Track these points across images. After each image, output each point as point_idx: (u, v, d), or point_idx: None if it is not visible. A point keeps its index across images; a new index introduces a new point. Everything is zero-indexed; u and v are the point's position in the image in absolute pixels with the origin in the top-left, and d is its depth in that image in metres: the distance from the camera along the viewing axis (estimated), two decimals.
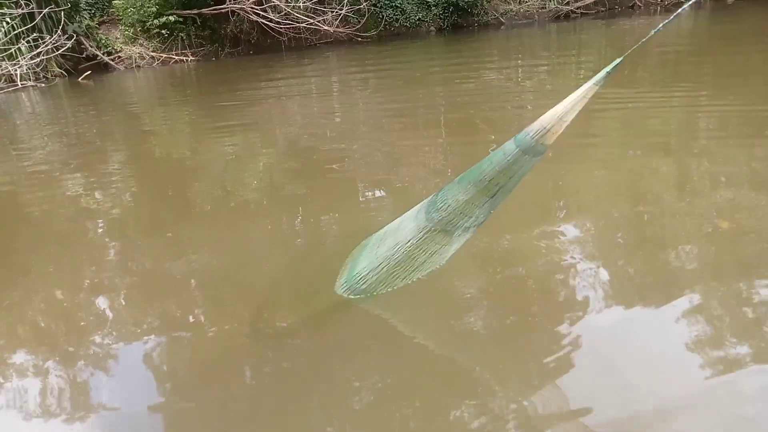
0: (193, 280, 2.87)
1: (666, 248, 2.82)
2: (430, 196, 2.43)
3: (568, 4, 14.81)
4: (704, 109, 5.39)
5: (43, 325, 2.61)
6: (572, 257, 2.77)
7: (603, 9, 15.22)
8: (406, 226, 2.45)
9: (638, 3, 15.39)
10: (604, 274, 2.63)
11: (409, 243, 2.40)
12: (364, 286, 2.47)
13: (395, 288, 2.47)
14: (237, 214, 3.73)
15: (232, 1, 12.07)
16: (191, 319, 2.55)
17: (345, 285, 2.53)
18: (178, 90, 10.17)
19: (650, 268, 2.68)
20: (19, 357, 2.37)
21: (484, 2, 14.42)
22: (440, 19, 14.37)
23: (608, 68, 1.88)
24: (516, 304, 2.49)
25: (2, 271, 3.15)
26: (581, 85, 1.93)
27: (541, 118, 1.99)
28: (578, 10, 14.84)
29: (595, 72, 1.94)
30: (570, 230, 3.04)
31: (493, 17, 14.55)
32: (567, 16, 14.62)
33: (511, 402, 1.94)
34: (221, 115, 7.19)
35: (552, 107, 1.99)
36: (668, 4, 14.97)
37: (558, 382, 1.99)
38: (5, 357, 2.38)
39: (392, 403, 1.99)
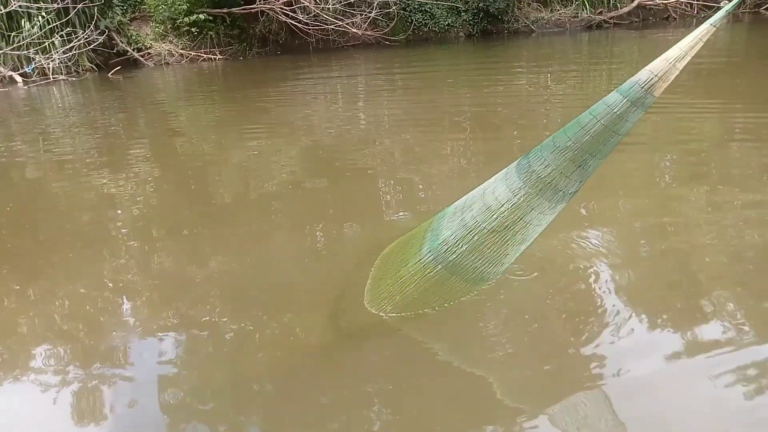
0: (214, 286, 2.79)
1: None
2: (520, 158, 2.14)
3: (601, 13, 14.57)
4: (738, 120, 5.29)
5: (61, 321, 2.56)
6: (599, 269, 2.63)
7: (636, 20, 14.97)
8: (496, 189, 2.14)
9: (673, 14, 15.12)
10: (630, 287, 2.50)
11: (503, 208, 2.08)
12: (453, 257, 2.18)
13: (493, 263, 2.19)
14: (259, 218, 3.67)
15: (262, 1, 12.15)
16: (209, 326, 2.46)
17: (429, 255, 2.23)
18: (205, 88, 10.18)
19: (676, 281, 2.56)
20: (40, 350, 2.34)
21: (515, 9, 14.20)
22: (470, 24, 14.23)
23: (728, 7, 1.71)
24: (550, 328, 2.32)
25: (26, 263, 3.14)
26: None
27: (650, 65, 1.81)
28: (611, 20, 14.61)
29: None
30: (600, 239, 2.90)
31: (523, 24, 14.33)
32: (599, 26, 14.36)
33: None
34: (247, 114, 7.18)
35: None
36: (704, 16, 14.60)
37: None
38: (27, 349, 2.36)
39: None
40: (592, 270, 2.60)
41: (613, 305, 2.35)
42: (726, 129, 5.03)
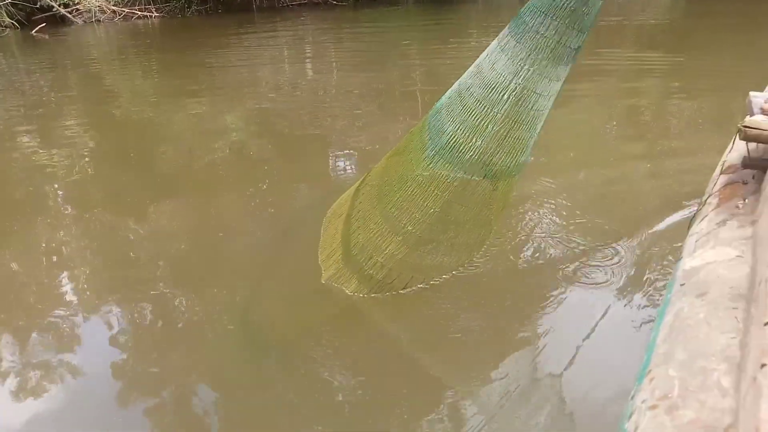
0: (156, 255, 2.66)
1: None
2: (510, 23, 1.83)
3: None
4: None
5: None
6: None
7: None
8: (495, 62, 1.82)
9: None
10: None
11: (513, 83, 1.77)
12: (470, 154, 1.87)
13: (513, 153, 1.90)
14: (203, 184, 3.50)
15: None
16: (152, 297, 2.34)
17: (435, 157, 1.93)
18: (141, 49, 9.55)
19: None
20: None
21: None
22: None
23: None
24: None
25: None
26: None
27: None
28: None
29: None
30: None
31: None
32: None
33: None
34: (187, 77, 6.80)
35: None
36: None
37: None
38: None
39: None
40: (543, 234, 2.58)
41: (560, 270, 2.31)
42: (666, 84, 5.23)
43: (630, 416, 0.83)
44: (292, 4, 12.90)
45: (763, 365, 0.64)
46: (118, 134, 4.71)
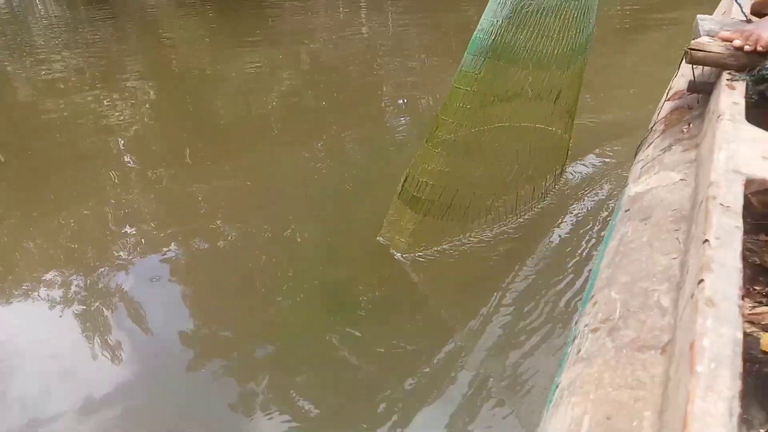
0: (216, 203, 2.70)
1: None
2: None
3: None
4: None
5: (65, 241, 2.49)
6: None
7: None
8: None
9: None
10: None
11: None
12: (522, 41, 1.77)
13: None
14: (260, 136, 3.53)
15: None
16: (213, 237, 2.41)
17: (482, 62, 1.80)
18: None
19: None
20: (45, 271, 2.28)
21: None
22: None
23: None
24: None
25: (26, 184, 3.00)
26: None
27: None
28: None
29: None
30: None
31: None
32: None
33: None
34: (243, 26, 6.79)
35: None
36: None
37: None
38: (31, 270, 2.29)
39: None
40: None
41: None
42: None
43: (573, 340, 0.83)
44: None
45: (700, 281, 0.63)
46: (176, 85, 4.72)
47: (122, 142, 3.50)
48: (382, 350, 1.79)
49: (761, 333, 1.08)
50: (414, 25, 6.41)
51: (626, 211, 1.06)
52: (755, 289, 1.20)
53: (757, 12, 1.65)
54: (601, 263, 0.96)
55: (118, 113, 4.01)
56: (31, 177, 3.08)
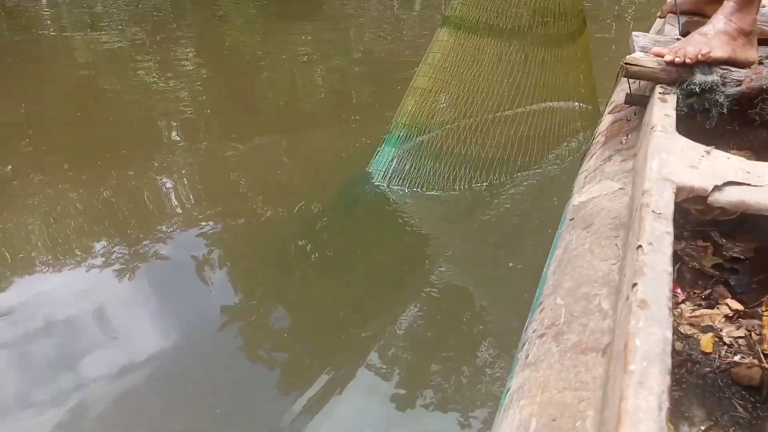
0: (258, 188, 2.80)
1: None
2: None
3: None
4: None
5: (111, 210, 2.63)
6: None
7: None
8: None
9: None
10: None
11: None
12: None
13: None
14: (304, 118, 3.62)
15: None
16: (246, 211, 2.54)
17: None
18: None
19: None
20: (93, 236, 2.41)
21: None
22: None
23: None
24: None
25: (80, 154, 3.14)
26: None
27: None
28: None
29: None
30: None
31: None
32: None
33: None
34: (296, 6, 6.82)
35: None
36: None
37: None
38: (82, 233, 2.43)
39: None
40: None
41: None
42: None
43: (523, 346, 0.86)
44: None
45: (634, 285, 0.67)
46: (228, 65, 4.81)
47: (173, 119, 3.65)
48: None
49: (701, 335, 1.14)
50: None
51: (571, 219, 1.11)
52: (695, 293, 1.26)
53: (693, 12, 1.76)
54: (548, 271, 1.00)
55: (170, 90, 4.16)
56: (82, 145, 3.22)
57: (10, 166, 2.93)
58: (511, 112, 2.39)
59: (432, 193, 2.35)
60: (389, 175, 2.32)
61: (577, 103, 2.52)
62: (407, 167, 2.29)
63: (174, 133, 3.45)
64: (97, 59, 4.98)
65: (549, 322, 0.83)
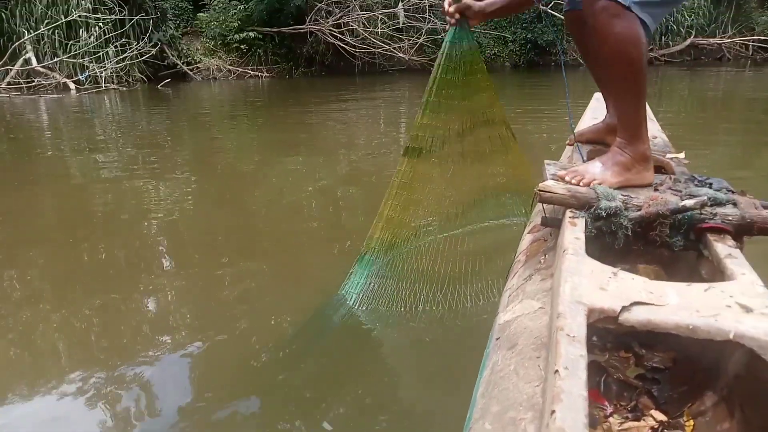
0: (240, 284, 2.86)
1: None
2: None
3: (652, 50, 14.16)
4: None
5: (91, 316, 2.57)
6: None
7: (689, 58, 15.05)
8: None
9: (727, 55, 15.24)
10: None
11: None
12: None
13: None
14: (291, 238, 3.60)
15: (312, 23, 12.47)
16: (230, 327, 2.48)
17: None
18: (250, 104, 10.32)
19: None
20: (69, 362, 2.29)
21: (564, 42, 12.73)
22: (516, 55, 14.29)
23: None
24: None
25: (63, 253, 3.25)
26: None
27: None
28: (662, 58, 14.64)
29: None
30: None
31: (572, 58, 12.64)
32: (650, 62, 13.11)
33: None
34: (288, 132, 7.20)
35: None
36: (759, 58, 14.87)
37: None
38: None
39: None
40: None
41: None
42: None
43: None
44: (392, 69, 13.52)
45: (552, 412, 0.69)
46: (219, 182, 4.98)
47: (161, 224, 3.76)
48: None
49: None
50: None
51: (497, 339, 1.14)
52: (621, 405, 1.29)
53: (596, 141, 1.95)
54: (477, 393, 1.02)
55: (162, 199, 4.32)
56: (71, 262, 3.18)
57: None
58: (460, 231, 2.52)
59: (400, 312, 2.34)
60: (360, 296, 2.36)
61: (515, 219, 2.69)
62: (375, 288, 2.33)
63: (161, 255, 3.39)
64: (92, 178, 5.07)
65: None
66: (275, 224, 3.86)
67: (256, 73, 13.05)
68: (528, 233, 1.60)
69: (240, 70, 13.02)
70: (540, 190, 1.39)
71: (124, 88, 11.25)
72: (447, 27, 2.10)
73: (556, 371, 0.76)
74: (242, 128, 7.96)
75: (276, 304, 2.66)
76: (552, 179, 1.47)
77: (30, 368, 2.21)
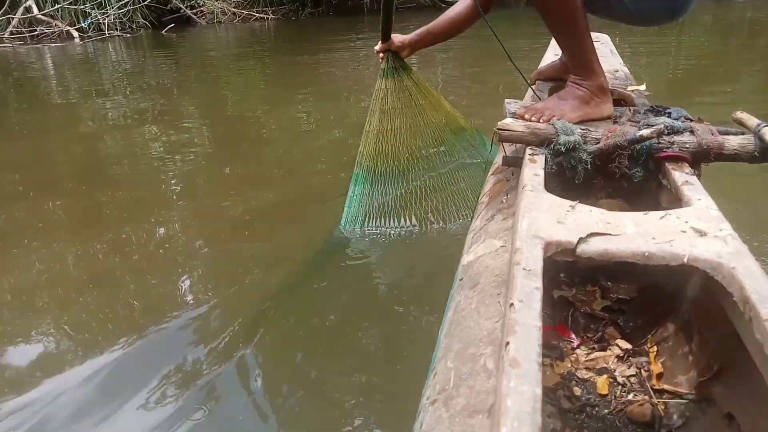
0: (249, 216, 2.97)
1: None
2: None
3: None
4: None
5: (120, 260, 2.60)
6: None
7: None
8: None
9: None
10: None
11: None
12: None
13: None
14: (300, 174, 3.66)
15: None
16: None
17: None
18: (256, 47, 10.10)
19: None
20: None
21: None
22: None
23: None
24: None
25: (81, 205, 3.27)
26: None
27: None
28: None
29: None
30: None
31: None
32: None
33: None
34: (296, 76, 7.05)
35: None
36: None
37: None
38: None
39: None
40: None
41: None
42: None
43: (418, 416, 0.86)
44: (401, 7, 12.79)
45: (507, 343, 0.69)
46: (227, 127, 4.92)
47: (173, 173, 3.75)
48: None
49: (597, 377, 1.19)
50: (464, 76, 6.72)
51: (460, 280, 1.14)
52: (588, 337, 1.32)
53: (556, 78, 1.94)
54: (441, 334, 1.02)
55: (172, 147, 4.30)
56: (84, 211, 3.23)
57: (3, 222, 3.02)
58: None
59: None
60: (357, 219, 2.47)
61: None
62: (372, 209, 2.45)
63: (172, 190, 3.52)
64: (101, 126, 5.11)
65: (440, 387, 0.84)
66: (285, 166, 3.89)
67: (262, 15, 12.78)
68: (491, 174, 1.59)
69: (245, 12, 12.71)
70: (499, 129, 1.37)
71: (128, 35, 11.24)
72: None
73: (512, 304, 0.76)
74: (249, 72, 7.84)
75: (283, 240, 2.77)
76: (510, 117, 1.45)
77: (46, 305, 2.29)
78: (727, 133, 1.31)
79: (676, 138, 1.29)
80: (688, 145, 1.28)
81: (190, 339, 2.00)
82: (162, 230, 2.94)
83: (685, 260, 0.87)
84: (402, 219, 2.48)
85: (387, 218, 2.47)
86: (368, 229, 2.49)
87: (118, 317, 2.19)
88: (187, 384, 1.76)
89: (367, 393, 1.72)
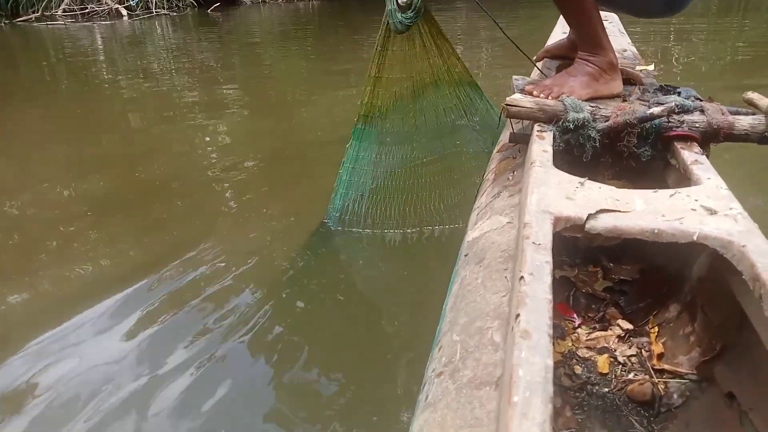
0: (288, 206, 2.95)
1: None
2: None
3: None
4: None
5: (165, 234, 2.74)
6: None
7: None
8: None
9: None
10: None
11: None
12: None
13: None
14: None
15: None
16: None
17: None
18: (300, 29, 10.19)
19: None
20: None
21: None
22: None
23: None
24: None
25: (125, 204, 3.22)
26: None
27: None
28: None
29: None
30: None
31: None
32: None
33: None
34: (338, 58, 7.14)
35: None
36: None
37: None
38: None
39: None
40: None
41: None
42: None
43: (423, 387, 0.86)
44: None
45: (517, 315, 0.69)
46: (270, 109, 5.03)
47: (215, 153, 3.85)
48: None
49: (598, 356, 1.19)
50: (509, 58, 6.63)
51: (465, 255, 1.14)
52: (590, 317, 1.31)
53: (563, 56, 1.91)
54: (446, 308, 1.02)
55: (213, 131, 4.38)
56: (133, 196, 3.27)
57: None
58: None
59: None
60: (344, 218, 2.44)
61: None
62: (361, 210, 2.40)
63: (217, 168, 3.57)
64: (146, 106, 5.21)
65: (446, 359, 0.83)
66: (325, 151, 3.86)
67: None
68: (497, 152, 1.58)
69: None
70: (507, 105, 1.35)
71: (175, 14, 11.47)
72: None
73: (521, 278, 0.75)
74: (292, 54, 7.86)
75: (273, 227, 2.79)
76: (519, 93, 1.43)
77: (95, 274, 2.39)
78: (738, 113, 1.29)
79: (686, 117, 1.27)
80: (698, 125, 1.26)
81: (187, 334, 1.97)
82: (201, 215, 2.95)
83: (695, 237, 0.86)
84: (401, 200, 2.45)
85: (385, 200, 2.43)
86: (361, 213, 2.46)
87: None
88: (168, 386, 1.73)
89: (358, 389, 1.74)
